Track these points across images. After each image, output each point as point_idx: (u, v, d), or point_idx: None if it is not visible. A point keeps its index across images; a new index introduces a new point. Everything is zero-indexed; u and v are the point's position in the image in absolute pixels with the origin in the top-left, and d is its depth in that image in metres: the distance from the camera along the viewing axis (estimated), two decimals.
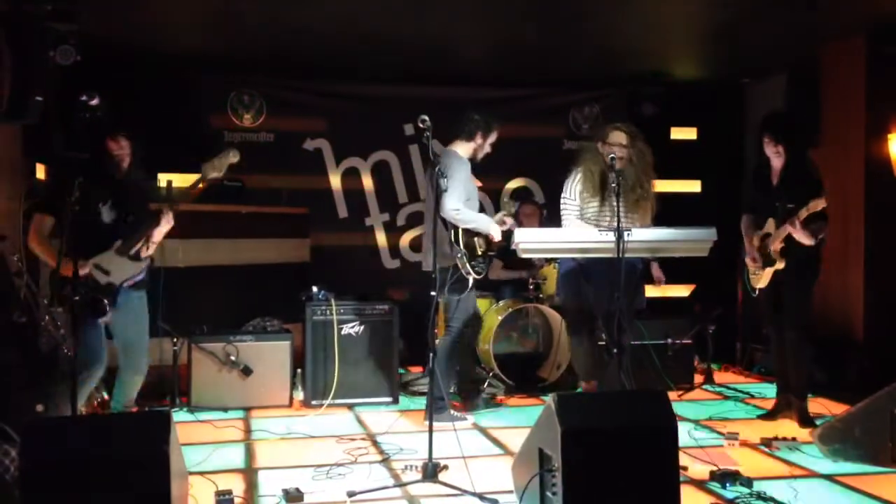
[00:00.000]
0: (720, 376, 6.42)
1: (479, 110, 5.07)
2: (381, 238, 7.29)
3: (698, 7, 5.47)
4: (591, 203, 4.48)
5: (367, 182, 7.25)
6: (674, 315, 6.18)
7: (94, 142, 4.09)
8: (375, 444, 4.53)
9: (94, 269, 4.02)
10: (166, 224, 4.05)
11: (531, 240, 4.20)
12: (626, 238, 3.98)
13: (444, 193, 4.42)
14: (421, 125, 4.13)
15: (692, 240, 4.18)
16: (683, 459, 3.80)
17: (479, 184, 5.19)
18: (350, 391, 5.38)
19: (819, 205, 4.45)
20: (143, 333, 4.29)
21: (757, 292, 4.91)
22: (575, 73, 7.28)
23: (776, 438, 4.39)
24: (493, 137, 5.01)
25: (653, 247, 4.20)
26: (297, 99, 7.10)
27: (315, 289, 5.60)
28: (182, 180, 6.64)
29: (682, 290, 7.63)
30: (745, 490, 3.66)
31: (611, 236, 4.00)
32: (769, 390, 5.84)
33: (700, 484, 3.79)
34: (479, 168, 6.51)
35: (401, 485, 3.76)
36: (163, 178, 6.34)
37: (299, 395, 5.53)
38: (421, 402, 5.46)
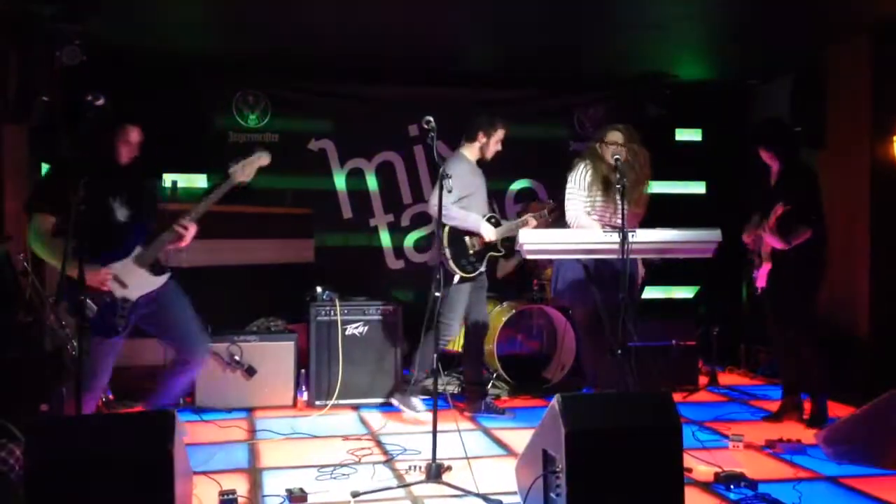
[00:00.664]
0: (724, 378, 6.41)
1: (482, 110, 5.10)
2: (385, 239, 7.30)
3: (704, 8, 5.47)
4: (598, 197, 4.50)
5: (372, 183, 7.25)
6: (678, 316, 6.17)
7: (102, 134, 3.83)
8: (379, 444, 4.53)
9: (113, 280, 3.76)
10: (190, 237, 3.83)
11: (536, 241, 4.19)
12: (630, 239, 3.98)
13: (447, 194, 4.39)
14: (425, 126, 4.13)
15: (697, 241, 4.17)
16: (688, 461, 3.78)
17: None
18: (354, 391, 5.39)
19: (778, 210, 4.53)
20: (192, 313, 3.99)
21: (759, 291, 4.90)
22: (580, 75, 7.28)
23: (781, 440, 4.38)
24: (499, 134, 5.02)
25: (657, 247, 4.19)
26: (301, 99, 7.10)
27: (319, 289, 5.60)
28: (187, 180, 6.69)
29: (686, 292, 7.62)
30: (750, 492, 3.65)
31: (615, 237, 4.00)
32: (774, 392, 5.83)
33: (704, 486, 3.79)
34: (485, 168, 6.50)
35: (405, 485, 3.76)
36: (167, 178, 6.41)
37: (303, 395, 5.54)
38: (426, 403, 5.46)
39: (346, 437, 4.65)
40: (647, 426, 3.13)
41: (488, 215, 5.05)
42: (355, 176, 7.23)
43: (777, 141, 4.86)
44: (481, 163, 5.10)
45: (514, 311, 5.88)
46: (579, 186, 4.57)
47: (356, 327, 5.41)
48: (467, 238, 4.94)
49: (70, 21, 5.22)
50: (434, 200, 4.53)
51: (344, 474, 3.93)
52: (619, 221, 4.29)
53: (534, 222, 5.00)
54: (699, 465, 4.01)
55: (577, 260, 4.45)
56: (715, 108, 7.64)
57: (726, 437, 4.54)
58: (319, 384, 5.36)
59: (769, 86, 7.42)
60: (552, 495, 3.11)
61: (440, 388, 4.50)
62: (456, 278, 4.90)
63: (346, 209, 7.22)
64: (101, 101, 3.75)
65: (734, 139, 7.73)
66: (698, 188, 7.88)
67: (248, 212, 6.15)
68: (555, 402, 3.09)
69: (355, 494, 3.58)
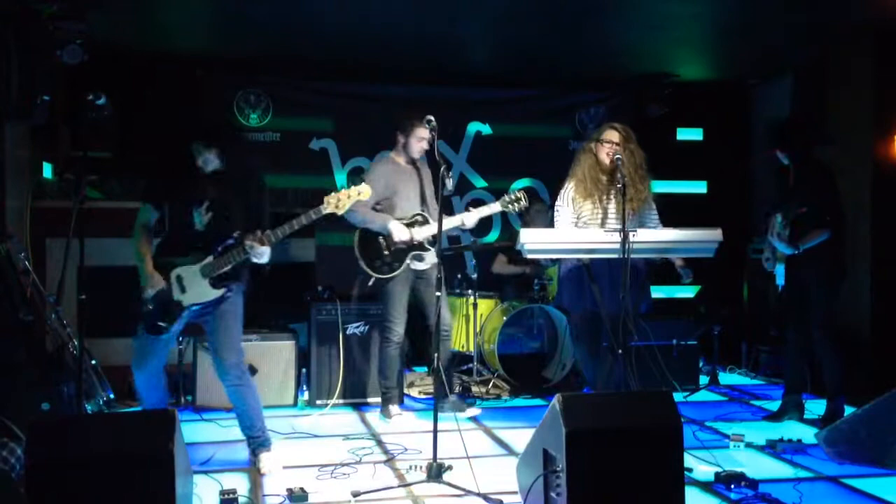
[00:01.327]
0: (726, 377, 6.40)
1: (403, 110, 5.06)
2: None
3: (705, 8, 5.46)
4: (584, 206, 4.44)
5: None
6: (679, 316, 6.17)
7: (182, 141, 3.86)
8: (380, 443, 4.53)
9: (175, 280, 3.79)
10: (259, 257, 3.77)
11: (537, 240, 4.19)
12: (631, 238, 3.97)
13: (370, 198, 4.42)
14: (427, 125, 4.13)
15: (698, 240, 4.17)
16: (688, 461, 3.79)
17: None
18: (355, 391, 5.39)
19: (778, 215, 4.60)
20: (231, 328, 3.92)
21: (781, 288, 4.90)
22: (581, 74, 7.28)
23: (781, 440, 4.38)
24: (419, 133, 4.90)
25: (658, 247, 4.19)
26: (303, 98, 7.10)
27: (320, 289, 5.61)
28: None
29: (687, 292, 7.62)
30: (751, 492, 3.65)
31: (616, 237, 3.99)
32: (775, 392, 5.83)
33: (705, 485, 3.78)
34: (487, 167, 6.54)
35: (405, 485, 3.76)
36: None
37: (304, 394, 5.53)
38: (426, 402, 5.46)
39: (346, 437, 4.65)
40: (647, 426, 3.13)
41: (414, 214, 4.94)
42: (356, 175, 7.23)
43: (791, 141, 4.86)
44: (411, 158, 5.00)
45: (514, 310, 5.88)
46: (564, 203, 4.50)
47: (357, 327, 5.41)
48: (381, 239, 4.88)
49: (71, 20, 5.22)
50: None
51: (344, 474, 3.93)
52: (614, 223, 4.29)
53: (474, 216, 4.91)
54: (700, 465, 4.01)
55: (579, 260, 4.44)
56: (716, 107, 7.64)
57: (727, 436, 4.54)
58: (320, 384, 5.36)
59: (770, 85, 7.42)
60: (553, 495, 3.11)
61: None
62: (371, 280, 4.90)
63: (353, 214, 7.19)
64: (101, 101, 3.76)
65: (735, 139, 7.74)
66: (699, 188, 7.87)
67: None
68: (555, 401, 3.09)
69: (356, 494, 3.58)
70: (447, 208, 5.27)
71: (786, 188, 4.94)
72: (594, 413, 3.14)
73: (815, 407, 5.08)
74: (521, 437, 4.25)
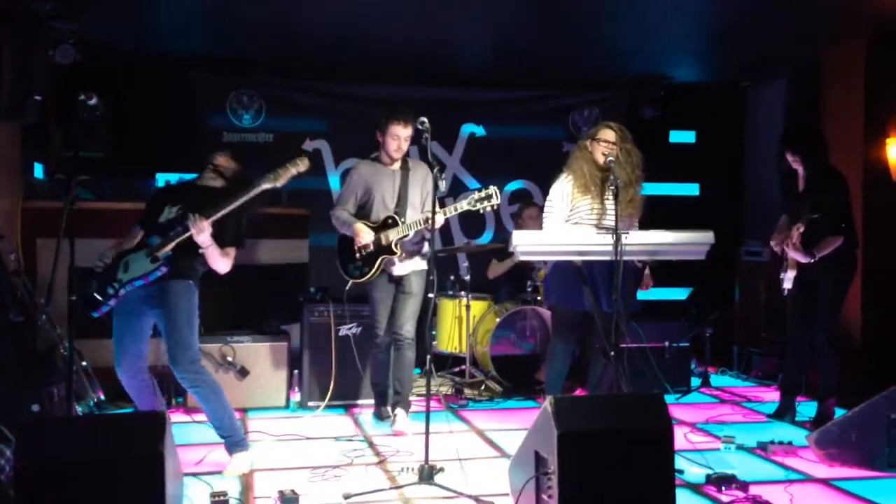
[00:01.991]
0: (717, 380, 6.42)
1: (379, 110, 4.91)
2: None
3: (699, 10, 5.48)
4: (583, 201, 4.44)
5: None
6: (671, 318, 6.18)
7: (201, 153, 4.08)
8: (372, 445, 4.53)
9: (122, 265, 3.92)
10: (197, 232, 3.78)
11: (529, 242, 4.19)
12: (623, 240, 3.97)
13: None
14: (420, 127, 4.13)
15: (690, 243, 4.17)
16: (679, 463, 3.79)
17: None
18: (347, 393, 5.37)
19: (801, 227, 4.58)
20: (179, 326, 3.88)
21: (786, 292, 4.92)
22: (575, 76, 7.29)
23: (772, 442, 4.39)
24: (393, 131, 4.72)
25: (650, 249, 4.19)
26: (296, 99, 7.09)
27: (313, 290, 5.59)
28: (180, 180, 6.64)
29: (679, 294, 7.64)
30: (741, 494, 3.66)
31: (608, 238, 4.00)
32: (766, 394, 5.86)
33: (696, 487, 3.79)
34: (480, 169, 6.50)
35: (397, 487, 3.75)
36: (160, 178, 6.37)
37: (296, 396, 5.53)
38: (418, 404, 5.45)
39: (338, 439, 4.64)
40: (638, 428, 3.13)
41: (385, 217, 4.73)
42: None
43: (804, 145, 4.87)
44: (389, 159, 4.84)
45: (507, 312, 5.88)
46: (558, 198, 4.47)
47: (349, 328, 5.40)
48: (355, 243, 4.78)
49: (65, 19, 5.21)
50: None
51: (336, 476, 3.93)
52: (609, 221, 4.29)
53: (439, 218, 4.39)
54: (691, 467, 4.02)
55: (571, 262, 4.44)
56: (709, 109, 7.66)
57: (718, 438, 4.55)
58: (312, 385, 5.35)
59: (763, 88, 7.44)
60: (544, 497, 3.11)
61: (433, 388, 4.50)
62: (348, 284, 4.86)
63: (331, 216, 7.17)
64: (93, 101, 3.74)
65: (728, 141, 7.76)
66: (692, 190, 7.89)
67: None
68: (547, 403, 3.09)
69: (347, 496, 3.58)
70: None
71: (794, 194, 4.95)
72: (586, 415, 3.14)
73: (806, 409, 5.10)
74: (513, 439, 4.25)
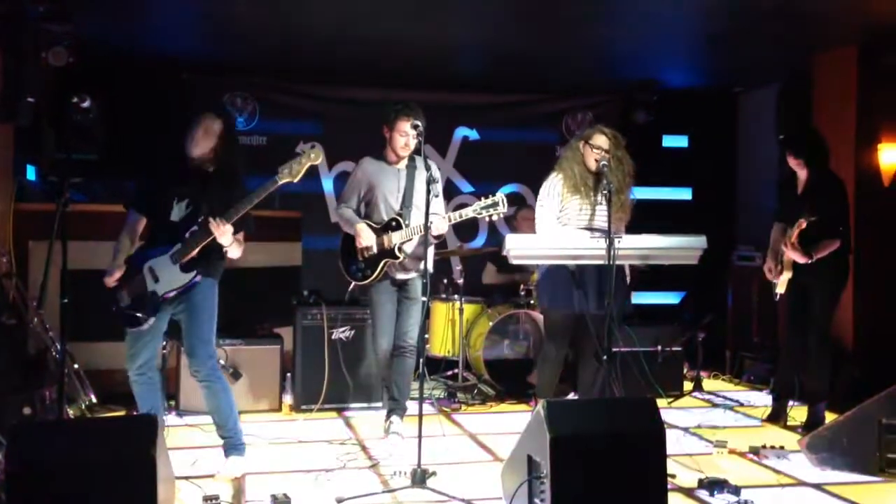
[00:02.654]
0: (709, 384, 6.43)
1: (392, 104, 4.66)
2: None
3: (692, 16, 5.50)
4: (572, 201, 4.43)
5: None
6: (664, 322, 6.19)
7: (178, 141, 3.96)
8: (364, 449, 4.52)
9: (148, 272, 3.84)
10: (220, 235, 3.75)
11: (522, 246, 4.19)
12: (616, 244, 3.98)
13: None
14: (414, 130, 4.12)
15: (682, 247, 4.18)
16: (671, 467, 3.80)
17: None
18: (340, 396, 5.37)
19: (802, 224, 4.58)
20: (202, 322, 3.89)
21: (778, 297, 4.94)
22: (569, 80, 7.31)
23: (764, 446, 4.41)
24: (399, 125, 4.50)
25: (643, 254, 4.20)
26: (290, 102, 7.09)
27: (306, 293, 5.58)
28: None
29: (671, 298, 7.66)
30: (733, 498, 3.66)
31: (602, 242, 4.01)
32: (758, 398, 5.87)
33: (688, 492, 3.80)
34: (474, 173, 6.49)
35: (389, 491, 3.75)
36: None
37: (289, 399, 5.52)
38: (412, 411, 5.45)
39: (331, 442, 4.63)
40: (631, 432, 3.14)
41: (391, 217, 4.53)
42: (343, 179, 7.21)
43: (807, 149, 4.89)
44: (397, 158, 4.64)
45: (500, 315, 5.89)
46: (549, 195, 4.46)
47: (342, 331, 5.39)
48: (356, 242, 4.59)
49: (58, 21, 5.19)
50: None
51: (329, 479, 3.92)
52: (600, 223, 4.30)
53: (443, 224, 4.40)
54: (683, 471, 4.02)
55: (564, 265, 4.44)
56: (701, 114, 7.69)
57: (710, 442, 4.56)
58: (305, 388, 5.34)
59: (755, 94, 7.48)
60: (536, 501, 3.11)
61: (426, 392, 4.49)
62: (351, 286, 4.77)
63: (334, 213, 7.19)
64: (86, 103, 3.74)
65: (721, 146, 7.79)
66: (684, 194, 7.92)
67: None
68: (540, 407, 3.09)
69: (340, 500, 3.57)
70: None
71: (792, 197, 4.97)
72: (578, 419, 3.15)
73: (797, 413, 5.12)
74: (505, 442, 4.25)
